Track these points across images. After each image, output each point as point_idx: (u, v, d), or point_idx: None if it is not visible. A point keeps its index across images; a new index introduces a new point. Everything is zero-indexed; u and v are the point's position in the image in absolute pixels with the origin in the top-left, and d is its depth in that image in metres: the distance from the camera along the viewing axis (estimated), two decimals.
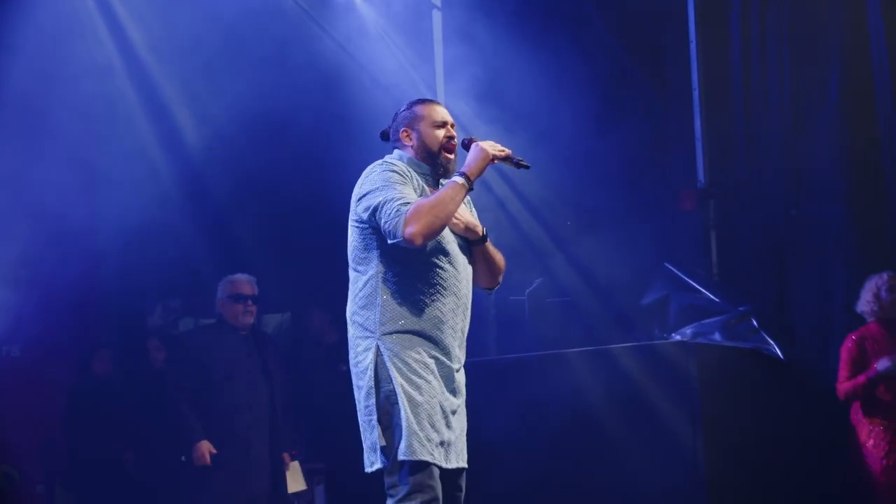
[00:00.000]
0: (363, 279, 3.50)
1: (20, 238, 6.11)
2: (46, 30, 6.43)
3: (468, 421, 3.68)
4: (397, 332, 3.43)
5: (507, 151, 3.57)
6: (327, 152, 7.07)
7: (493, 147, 3.54)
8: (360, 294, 3.50)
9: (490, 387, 5.90)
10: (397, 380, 3.38)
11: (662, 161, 7.02)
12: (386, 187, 3.42)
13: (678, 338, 5.93)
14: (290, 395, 5.98)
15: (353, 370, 3.51)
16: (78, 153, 6.66)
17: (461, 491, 3.61)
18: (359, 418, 3.46)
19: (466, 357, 3.76)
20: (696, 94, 6.84)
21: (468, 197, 3.66)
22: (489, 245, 3.68)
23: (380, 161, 3.57)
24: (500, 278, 3.79)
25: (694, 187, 6.84)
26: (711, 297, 6.23)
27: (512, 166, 3.63)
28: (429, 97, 4.46)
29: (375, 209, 3.40)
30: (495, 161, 3.53)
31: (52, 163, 6.36)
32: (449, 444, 3.44)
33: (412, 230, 3.29)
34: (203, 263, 7.28)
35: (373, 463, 3.42)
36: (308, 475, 6.45)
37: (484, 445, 5.62)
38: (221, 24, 6.67)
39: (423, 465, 3.33)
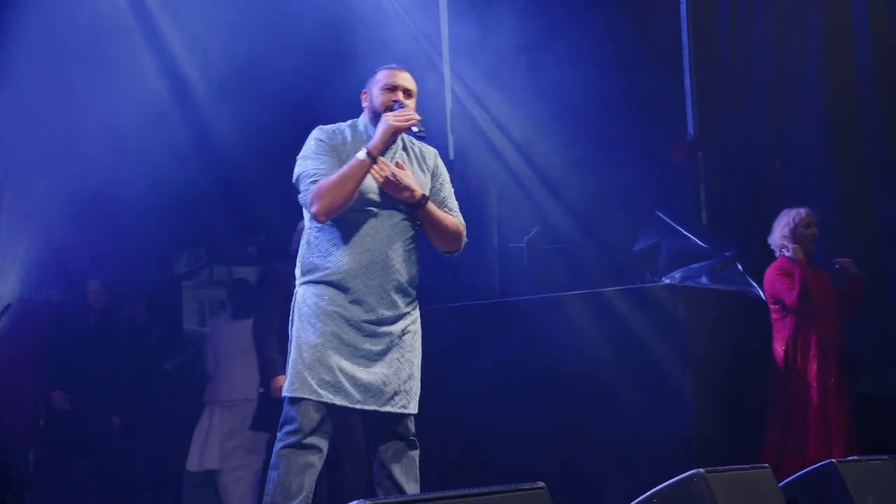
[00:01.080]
0: (301, 235, 3.78)
1: (59, 194, 6.32)
2: None
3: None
4: (310, 281, 3.64)
5: (410, 121, 3.60)
6: (332, 107, 7.14)
7: (395, 118, 3.59)
8: (299, 247, 3.78)
9: (491, 328, 6.00)
10: (297, 322, 3.63)
11: (655, 115, 7.06)
12: (307, 158, 3.64)
13: (667, 281, 5.95)
14: None
15: None
16: (102, 111, 6.81)
17: (402, 438, 3.72)
18: None
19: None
20: (685, 52, 6.90)
21: (417, 158, 3.81)
22: (431, 209, 3.72)
23: (321, 125, 3.77)
24: (458, 244, 3.86)
25: (684, 140, 6.91)
26: (699, 243, 6.28)
27: (412, 136, 3.70)
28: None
29: (296, 181, 3.65)
30: (400, 132, 3.62)
31: (80, 123, 6.54)
32: (345, 385, 3.54)
33: (315, 209, 3.52)
34: (216, 216, 7.40)
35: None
36: None
37: (481, 384, 5.77)
38: None
39: (297, 400, 3.54)
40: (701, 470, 3.09)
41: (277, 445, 3.60)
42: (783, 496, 3.54)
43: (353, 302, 3.60)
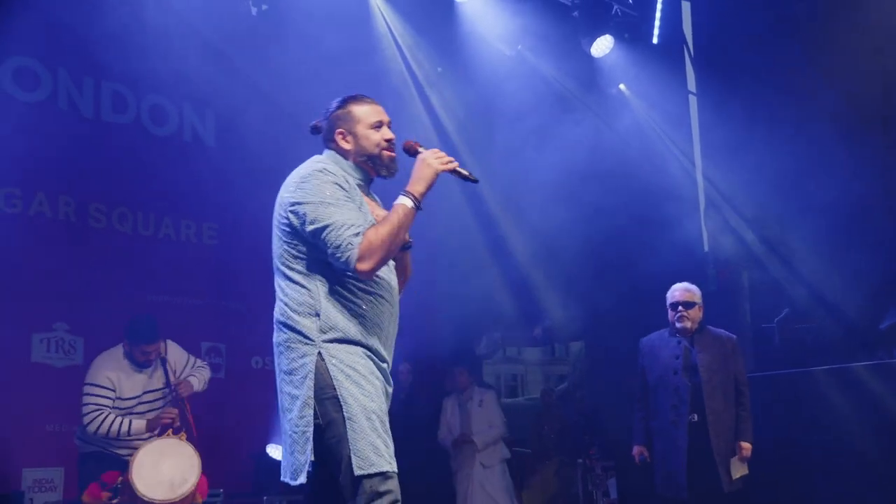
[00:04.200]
0: (296, 286, 3.15)
1: None
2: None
3: None
4: (340, 340, 3.09)
5: (454, 164, 3.19)
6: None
7: (438, 160, 3.16)
8: (295, 299, 3.14)
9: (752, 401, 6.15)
10: (347, 388, 3.04)
11: (890, 202, 7.14)
12: (331, 205, 3.07)
13: None
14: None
15: (286, 378, 3.14)
16: None
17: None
18: (287, 428, 3.11)
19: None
20: None
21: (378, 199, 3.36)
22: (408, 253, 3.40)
23: (315, 163, 3.21)
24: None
25: None
26: None
27: (460, 178, 3.21)
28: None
29: (320, 231, 3.06)
30: (443, 172, 3.17)
31: None
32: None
33: (365, 267, 3.01)
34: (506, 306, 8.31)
35: (298, 474, 3.05)
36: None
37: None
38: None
39: (389, 475, 3.02)
40: None
41: None
42: None
43: (381, 357, 3.21)
